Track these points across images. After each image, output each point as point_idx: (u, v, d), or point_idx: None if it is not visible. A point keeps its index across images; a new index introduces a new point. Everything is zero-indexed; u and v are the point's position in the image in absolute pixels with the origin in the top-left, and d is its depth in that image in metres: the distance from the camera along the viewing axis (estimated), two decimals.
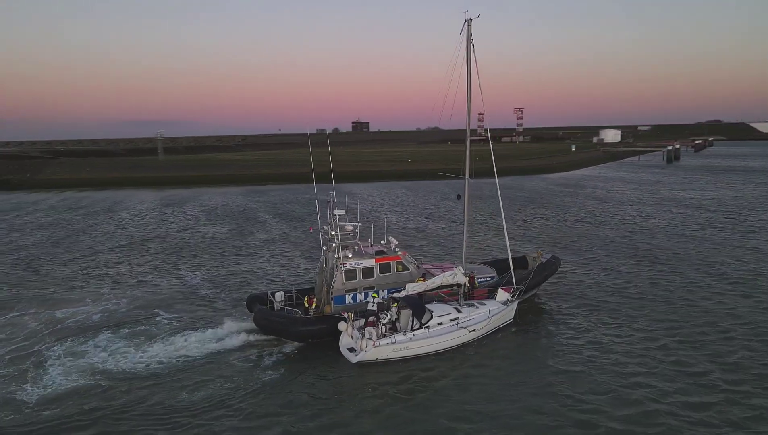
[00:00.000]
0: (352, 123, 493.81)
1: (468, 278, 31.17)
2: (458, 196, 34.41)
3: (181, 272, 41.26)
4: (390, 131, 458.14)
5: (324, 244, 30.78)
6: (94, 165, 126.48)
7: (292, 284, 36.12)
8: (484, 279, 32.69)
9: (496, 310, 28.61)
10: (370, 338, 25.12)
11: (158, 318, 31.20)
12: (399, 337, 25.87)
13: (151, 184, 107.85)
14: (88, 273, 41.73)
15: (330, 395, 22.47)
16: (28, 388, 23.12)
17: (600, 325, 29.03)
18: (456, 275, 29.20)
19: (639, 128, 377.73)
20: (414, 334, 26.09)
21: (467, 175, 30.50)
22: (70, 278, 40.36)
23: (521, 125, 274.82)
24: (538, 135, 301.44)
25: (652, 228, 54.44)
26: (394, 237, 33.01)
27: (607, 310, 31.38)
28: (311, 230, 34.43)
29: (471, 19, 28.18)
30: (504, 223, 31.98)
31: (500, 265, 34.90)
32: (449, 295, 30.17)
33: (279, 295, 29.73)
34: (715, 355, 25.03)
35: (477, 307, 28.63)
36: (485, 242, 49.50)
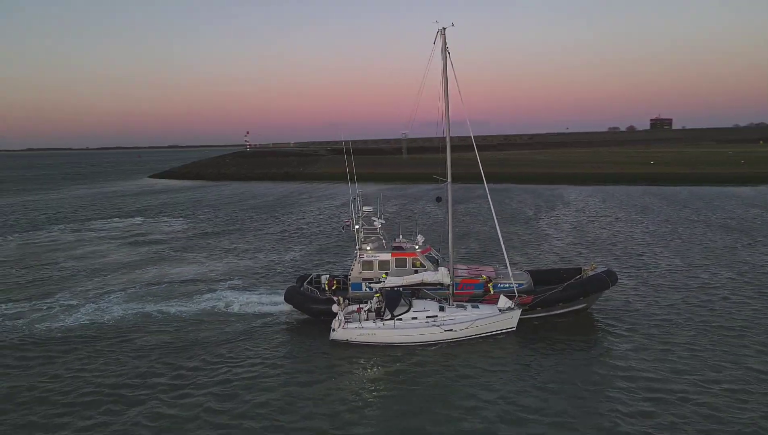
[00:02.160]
0: (651, 120, 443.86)
1: (485, 280, 31.19)
2: (438, 199, 33.48)
3: (289, 254, 48.99)
4: (696, 129, 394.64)
5: None
6: (347, 162, 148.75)
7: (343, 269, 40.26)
8: (508, 285, 31.44)
9: (485, 315, 28.04)
10: (341, 320, 28.08)
11: (225, 282, 39.35)
12: (368, 323, 27.83)
13: (388, 180, 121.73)
14: (230, 244, 53.32)
15: (296, 361, 25.89)
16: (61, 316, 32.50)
17: (624, 354, 25.49)
18: (437, 275, 29.76)
19: None
20: (383, 323, 27.75)
21: (449, 180, 30.45)
22: (216, 247, 52.54)
23: None
24: None
25: None
26: (422, 235, 34.47)
27: (649, 341, 26.72)
28: (346, 223, 38.09)
29: (444, 29, 28.70)
30: (498, 230, 31.34)
31: (548, 276, 33.74)
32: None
33: (324, 278, 34.31)
34: None
35: (464, 309, 28.47)
36: (564, 251, 43.91)
